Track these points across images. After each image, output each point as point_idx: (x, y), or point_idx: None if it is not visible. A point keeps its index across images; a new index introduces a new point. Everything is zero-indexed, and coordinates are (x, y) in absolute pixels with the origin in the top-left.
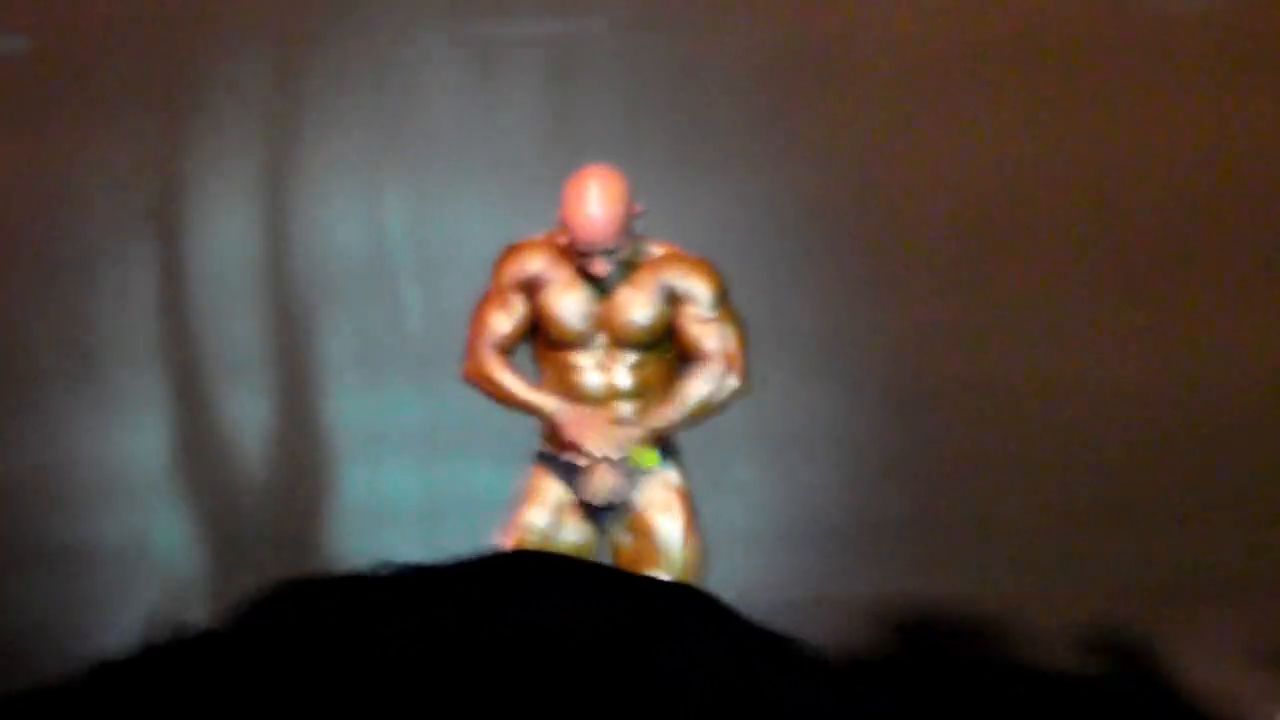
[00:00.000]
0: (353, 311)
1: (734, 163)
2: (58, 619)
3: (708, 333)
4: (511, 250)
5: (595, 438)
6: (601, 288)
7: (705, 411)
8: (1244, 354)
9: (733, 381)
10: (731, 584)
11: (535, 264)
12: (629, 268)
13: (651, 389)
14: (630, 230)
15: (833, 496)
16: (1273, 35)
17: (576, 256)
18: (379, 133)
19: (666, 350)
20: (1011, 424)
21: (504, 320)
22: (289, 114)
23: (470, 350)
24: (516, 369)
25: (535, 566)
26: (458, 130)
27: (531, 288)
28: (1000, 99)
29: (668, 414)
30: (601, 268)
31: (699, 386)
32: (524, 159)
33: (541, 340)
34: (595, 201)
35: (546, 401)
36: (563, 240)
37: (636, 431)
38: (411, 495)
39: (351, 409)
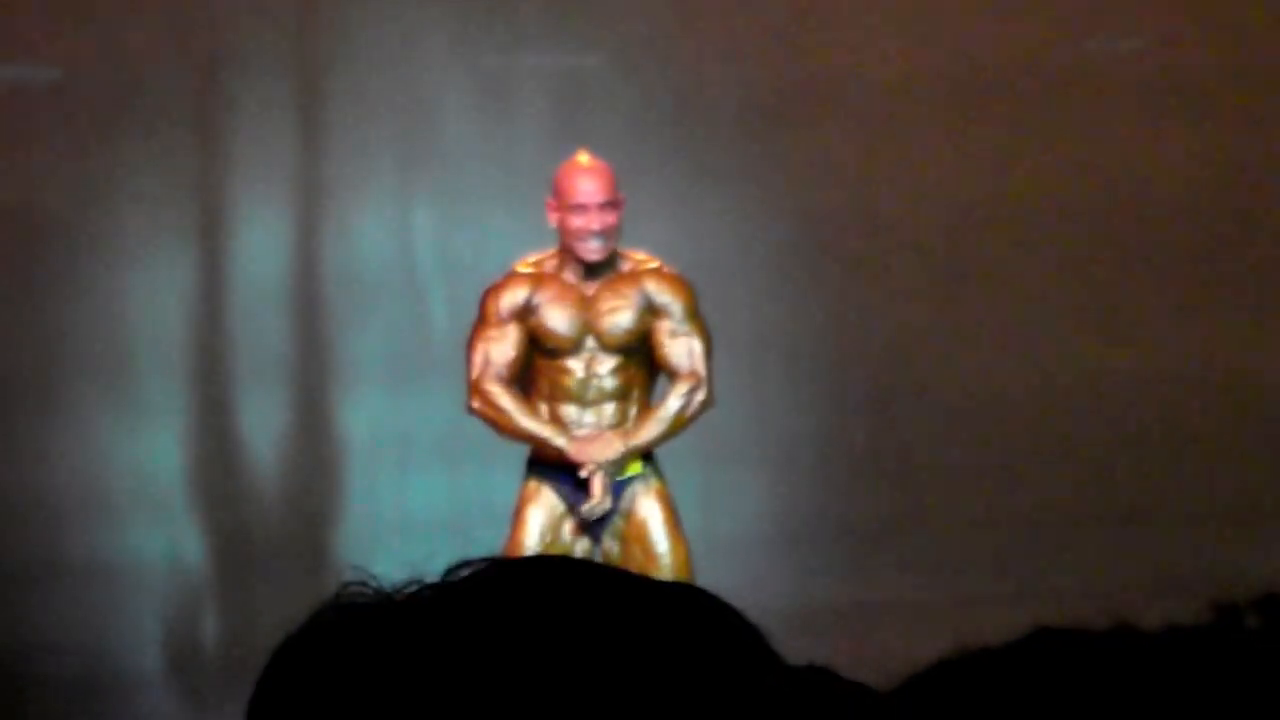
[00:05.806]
0: (380, 322)
1: (727, 183)
2: (78, 630)
3: (679, 349)
4: (495, 287)
5: (597, 452)
6: (591, 271)
7: (680, 426)
8: (1223, 358)
9: (700, 396)
10: (722, 591)
11: (522, 292)
12: (613, 275)
13: (633, 389)
14: (618, 215)
15: (820, 502)
16: (1194, 69)
17: (572, 226)
18: (403, 153)
19: (648, 354)
20: (994, 428)
21: (504, 349)
22: (317, 135)
23: (475, 386)
24: (522, 398)
25: (555, 573)
26: (476, 151)
27: (523, 314)
28: (971, 127)
29: (646, 433)
30: (600, 222)
31: (672, 405)
32: (538, 177)
33: (535, 353)
34: (586, 161)
35: (554, 436)
36: (551, 259)
37: (620, 445)
38: (437, 504)
39: (378, 418)
